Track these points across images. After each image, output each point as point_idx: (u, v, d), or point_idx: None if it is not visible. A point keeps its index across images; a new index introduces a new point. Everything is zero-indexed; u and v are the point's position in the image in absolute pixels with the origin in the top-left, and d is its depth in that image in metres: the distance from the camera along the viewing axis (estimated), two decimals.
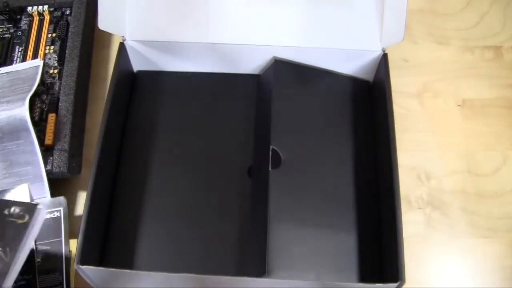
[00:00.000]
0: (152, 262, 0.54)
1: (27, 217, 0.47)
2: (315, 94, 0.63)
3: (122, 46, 0.60)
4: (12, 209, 0.48)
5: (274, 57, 0.62)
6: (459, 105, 0.68)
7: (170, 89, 0.65)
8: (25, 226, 0.47)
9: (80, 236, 0.48)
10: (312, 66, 0.64)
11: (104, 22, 0.57)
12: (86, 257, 0.48)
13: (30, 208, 0.48)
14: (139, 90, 0.65)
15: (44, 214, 0.50)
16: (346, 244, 0.54)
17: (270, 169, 0.56)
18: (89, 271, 0.47)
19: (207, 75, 0.66)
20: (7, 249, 0.45)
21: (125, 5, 0.59)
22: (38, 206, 0.48)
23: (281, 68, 0.63)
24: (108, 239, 0.55)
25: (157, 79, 0.65)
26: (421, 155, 0.64)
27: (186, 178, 0.58)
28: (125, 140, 0.61)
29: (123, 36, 0.60)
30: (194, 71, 0.66)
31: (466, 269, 0.58)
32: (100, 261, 0.54)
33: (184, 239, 0.55)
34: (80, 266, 0.46)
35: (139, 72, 0.66)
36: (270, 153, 0.57)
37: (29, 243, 0.46)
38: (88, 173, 0.62)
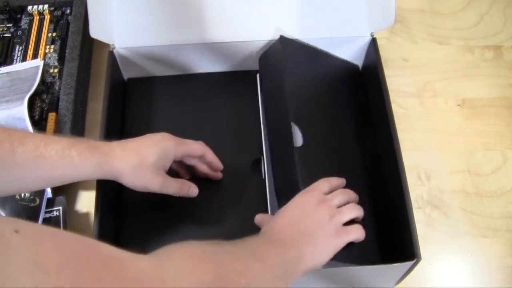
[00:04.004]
0: None
1: (38, 201, 0.54)
2: (317, 73, 0.63)
3: (111, 55, 0.60)
4: (22, 194, 0.54)
5: (280, 35, 0.61)
6: (459, 105, 0.68)
7: (163, 93, 0.64)
8: (38, 208, 0.54)
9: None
10: (313, 45, 0.63)
11: (95, 30, 0.57)
12: None
13: (39, 192, 0.55)
14: (132, 97, 0.64)
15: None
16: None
17: (295, 146, 0.53)
18: None
19: (200, 76, 0.65)
20: None
21: (112, 13, 0.58)
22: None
23: (287, 45, 0.61)
24: (120, 240, 0.54)
25: (149, 85, 0.65)
26: (421, 155, 0.64)
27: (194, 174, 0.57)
28: None
29: (112, 44, 0.60)
30: (186, 73, 0.65)
31: (466, 269, 0.58)
32: None
33: (195, 235, 0.54)
34: None
35: (130, 79, 0.66)
36: (293, 129, 0.55)
37: (41, 222, 0.54)
38: None
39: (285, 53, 0.60)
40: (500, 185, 0.62)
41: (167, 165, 0.50)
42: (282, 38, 0.61)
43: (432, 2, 0.77)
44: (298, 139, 0.55)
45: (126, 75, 0.65)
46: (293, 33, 0.61)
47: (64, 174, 0.44)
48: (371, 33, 0.61)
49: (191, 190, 0.52)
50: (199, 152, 0.53)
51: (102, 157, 0.45)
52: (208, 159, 0.54)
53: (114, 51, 0.60)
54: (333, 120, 0.61)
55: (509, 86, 0.69)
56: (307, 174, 0.51)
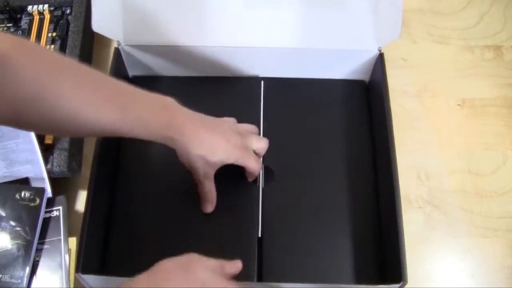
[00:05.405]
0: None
1: (38, 200, 0.55)
2: (307, 104, 0.64)
3: (117, 51, 0.60)
4: (22, 194, 0.55)
5: (262, 78, 0.64)
6: (459, 105, 0.68)
7: (167, 93, 0.64)
8: (38, 208, 0.54)
9: (81, 243, 0.48)
10: (303, 77, 0.65)
11: (98, 24, 0.56)
12: (86, 265, 0.47)
13: (39, 192, 0.55)
14: None
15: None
16: (344, 247, 0.54)
17: (262, 186, 0.57)
18: (90, 280, 0.47)
19: (206, 79, 0.65)
20: (27, 228, 0.53)
21: (120, 9, 0.58)
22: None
23: (270, 87, 0.64)
24: (108, 245, 0.54)
25: (153, 85, 0.64)
26: (421, 155, 0.64)
27: (186, 181, 0.56)
28: (123, 146, 0.60)
29: (118, 41, 0.60)
30: (191, 75, 0.65)
31: (466, 269, 0.58)
32: (101, 268, 0.53)
33: (185, 244, 0.53)
34: (81, 275, 0.46)
35: (135, 77, 0.65)
36: (262, 171, 0.58)
37: (41, 222, 0.54)
38: (88, 172, 0.62)
39: (265, 95, 0.63)
40: (500, 185, 0.62)
41: (222, 165, 0.52)
42: (264, 80, 0.64)
43: (432, 2, 0.77)
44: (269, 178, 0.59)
45: (131, 73, 0.65)
46: (299, 43, 0.61)
47: (137, 136, 0.47)
48: (379, 47, 0.60)
49: (207, 206, 0.55)
50: (251, 173, 0.55)
51: (180, 138, 0.48)
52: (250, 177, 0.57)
53: (120, 47, 0.60)
54: (323, 150, 0.61)
55: (509, 86, 0.69)
56: (273, 212, 0.56)
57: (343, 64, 0.64)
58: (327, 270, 0.53)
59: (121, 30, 0.59)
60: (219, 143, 0.50)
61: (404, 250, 0.48)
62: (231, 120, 0.56)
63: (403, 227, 0.49)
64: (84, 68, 0.44)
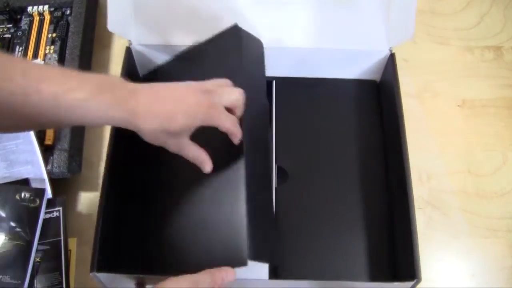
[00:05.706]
0: (162, 264, 0.51)
1: (38, 201, 0.55)
2: (319, 104, 0.64)
3: (128, 51, 0.60)
4: (23, 194, 0.55)
5: (274, 77, 0.64)
6: (459, 105, 0.68)
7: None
8: (38, 209, 0.55)
9: (95, 241, 0.48)
10: (314, 77, 0.65)
11: (113, 24, 0.56)
12: (101, 263, 0.47)
13: (39, 193, 0.55)
14: None
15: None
16: (357, 245, 0.55)
17: (275, 186, 0.57)
18: (104, 278, 0.47)
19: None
20: (27, 229, 0.53)
21: (132, 9, 0.58)
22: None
23: (281, 87, 0.64)
24: (119, 242, 0.54)
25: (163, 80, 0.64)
26: (421, 155, 0.64)
27: (198, 179, 0.53)
28: (133, 143, 0.60)
29: (130, 40, 0.60)
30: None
31: (466, 269, 0.58)
32: (111, 266, 0.52)
33: (192, 241, 0.52)
34: (96, 273, 0.46)
35: (145, 76, 0.65)
36: (275, 171, 0.57)
37: (41, 222, 0.54)
38: (88, 173, 0.62)
39: (277, 95, 0.63)
40: (500, 185, 0.62)
41: (192, 130, 0.47)
42: (276, 80, 0.64)
43: (432, 3, 0.77)
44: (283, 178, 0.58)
45: (142, 72, 0.65)
46: (310, 43, 0.61)
47: (82, 122, 0.43)
48: (390, 47, 0.60)
49: (204, 166, 0.49)
50: (229, 133, 0.48)
51: (126, 115, 0.43)
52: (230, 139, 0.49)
53: (131, 47, 0.60)
54: (335, 150, 0.61)
55: (509, 86, 0.69)
56: (287, 211, 0.56)
57: (354, 64, 0.64)
58: (341, 268, 0.54)
59: (133, 30, 0.59)
60: (175, 108, 0.44)
61: (418, 248, 0.48)
62: (196, 82, 0.49)
63: (416, 225, 0.49)
64: (15, 58, 0.41)
